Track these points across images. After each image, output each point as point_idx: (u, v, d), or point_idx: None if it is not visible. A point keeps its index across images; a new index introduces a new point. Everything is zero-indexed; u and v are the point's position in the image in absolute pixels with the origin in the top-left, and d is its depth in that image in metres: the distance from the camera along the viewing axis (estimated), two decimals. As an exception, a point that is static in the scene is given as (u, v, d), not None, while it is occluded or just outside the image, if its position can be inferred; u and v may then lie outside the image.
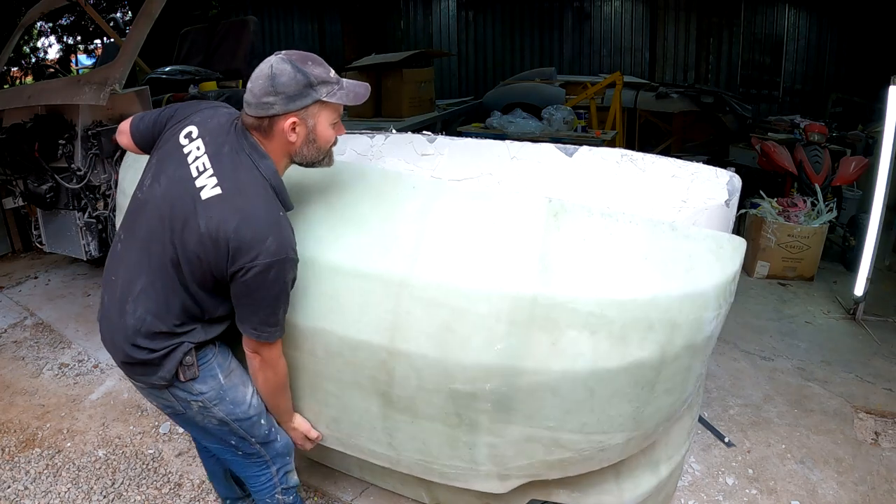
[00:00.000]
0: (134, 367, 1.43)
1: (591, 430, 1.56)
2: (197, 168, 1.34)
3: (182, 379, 1.43)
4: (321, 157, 1.43)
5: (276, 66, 1.29)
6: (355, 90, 1.37)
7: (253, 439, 1.58)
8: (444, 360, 1.49)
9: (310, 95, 1.30)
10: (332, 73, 1.36)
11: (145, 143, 1.53)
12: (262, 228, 1.29)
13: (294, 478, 1.73)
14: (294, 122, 1.32)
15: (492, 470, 1.68)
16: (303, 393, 1.71)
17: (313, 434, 1.73)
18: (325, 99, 1.32)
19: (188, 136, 1.38)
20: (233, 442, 1.58)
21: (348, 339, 1.55)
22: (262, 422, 1.59)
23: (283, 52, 1.34)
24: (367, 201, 1.63)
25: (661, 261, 1.48)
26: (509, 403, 1.52)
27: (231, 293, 1.36)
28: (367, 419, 1.69)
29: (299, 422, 1.70)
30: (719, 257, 1.52)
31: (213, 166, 1.33)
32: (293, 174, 1.57)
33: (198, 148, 1.36)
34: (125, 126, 1.59)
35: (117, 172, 2.97)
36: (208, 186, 1.31)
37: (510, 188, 1.70)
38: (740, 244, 1.58)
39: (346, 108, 1.50)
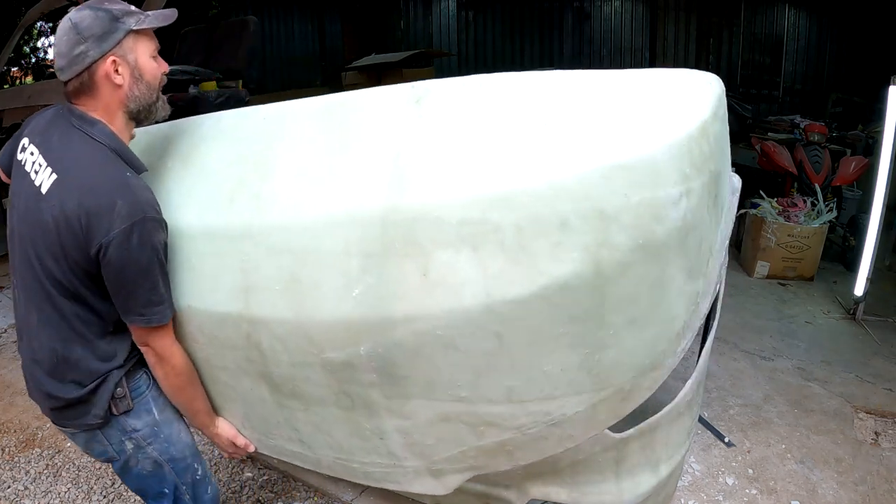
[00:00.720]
0: (65, 410, 1.33)
1: (525, 397, 1.17)
2: (35, 171, 1.25)
3: (116, 412, 1.33)
4: (154, 98, 1.31)
5: (74, 16, 1.21)
6: (163, 13, 1.29)
7: (184, 486, 1.47)
8: (302, 322, 1.19)
9: (119, 28, 1.22)
10: (133, 7, 1.29)
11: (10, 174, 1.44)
12: (107, 194, 1.18)
13: None
14: (115, 61, 1.22)
15: (418, 465, 1.36)
16: (206, 389, 1.46)
17: (240, 441, 1.52)
18: (135, 28, 1.23)
19: (22, 148, 1.32)
20: (166, 490, 1.46)
21: (211, 313, 1.30)
22: (196, 465, 1.48)
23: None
24: (220, 148, 1.38)
25: (572, 123, 1.05)
26: (396, 369, 1.18)
27: (107, 285, 1.23)
28: (268, 412, 1.42)
29: (223, 427, 1.51)
30: (673, 102, 1.08)
31: (46, 160, 1.24)
32: (154, 141, 1.45)
33: (31, 153, 1.28)
34: None
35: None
36: (45, 179, 1.23)
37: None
38: (711, 81, 1.17)
39: None
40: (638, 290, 1.11)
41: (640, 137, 1.03)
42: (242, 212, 1.24)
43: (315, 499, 2.29)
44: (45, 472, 2.42)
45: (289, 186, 1.21)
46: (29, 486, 2.34)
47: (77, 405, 1.32)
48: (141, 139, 1.46)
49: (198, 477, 1.49)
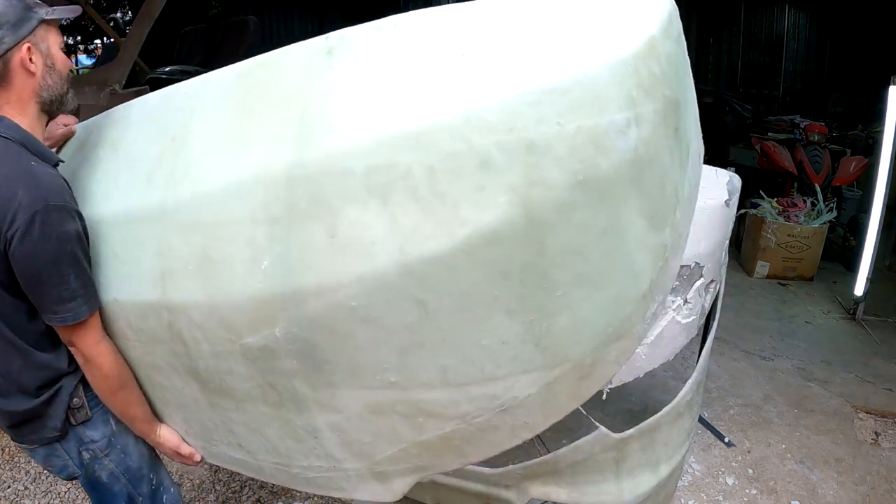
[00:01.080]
0: (22, 426, 1.29)
1: (464, 379, 1.02)
2: None
3: (74, 423, 1.30)
4: (65, 89, 1.29)
5: None
6: (70, 8, 1.31)
7: (140, 498, 1.43)
8: (216, 304, 1.09)
9: (33, 17, 1.21)
10: None
11: None
12: (9, 186, 1.13)
13: None
14: (29, 48, 1.20)
15: (360, 467, 1.23)
16: (146, 393, 1.36)
17: (184, 450, 1.40)
18: (47, 17, 1.23)
19: None
20: None
21: (135, 304, 1.21)
22: (151, 475, 1.44)
23: None
24: (145, 130, 1.31)
25: (497, 49, 0.91)
26: (316, 352, 1.07)
27: (20, 283, 1.17)
28: (204, 414, 1.32)
29: (165, 436, 1.39)
30: (613, 18, 0.92)
31: None
32: (89, 134, 1.43)
33: None
34: None
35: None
36: None
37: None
38: None
39: None
40: (586, 239, 0.93)
41: (574, 56, 0.88)
42: (158, 191, 1.16)
43: (315, 499, 2.29)
44: (45, 472, 2.42)
45: (200, 158, 1.12)
46: (29, 486, 2.34)
47: (33, 419, 1.28)
48: (79, 134, 1.45)
49: (153, 487, 1.45)
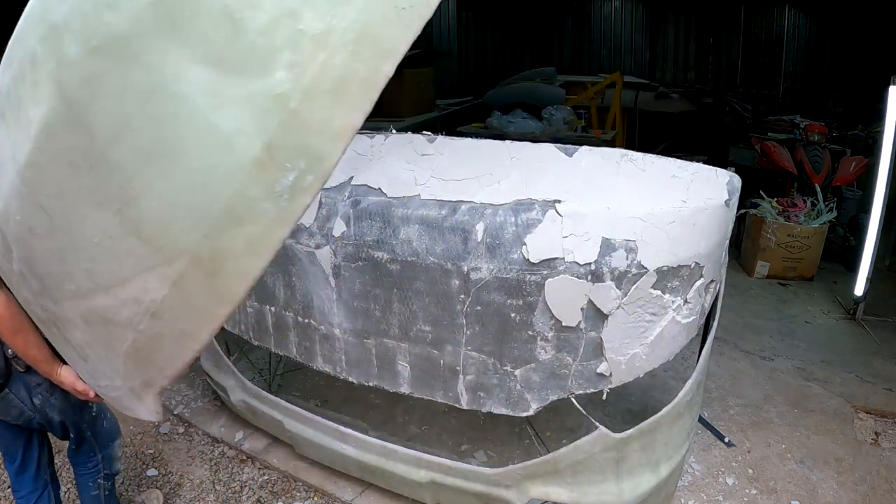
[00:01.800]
0: None
1: (106, 280, 1.02)
2: None
3: (20, 369, 1.52)
4: None
5: None
6: None
7: (84, 425, 1.71)
8: None
9: None
10: None
11: None
12: None
13: (117, 465, 1.91)
14: None
15: (123, 384, 1.25)
16: (48, 338, 1.41)
17: (79, 386, 1.49)
18: None
19: None
20: (71, 434, 1.72)
21: None
22: (90, 404, 1.69)
23: None
24: None
25: None
26: (34, 267, 1.16)
27: None
28: (57, 344, 1.37)
29: (65, 374, 1.50)
30: None
31: None
32: None
33: None
34: None
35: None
36: None
37: None
38: None
39: None
40: (128, 109, 0.86)
41: None
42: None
43: (315, 499, 2.29)
44: (45, 472, 2.42)
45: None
46: (29, 486, 2.34)
47: None
48: None
49: (94, 413, 1.74)
